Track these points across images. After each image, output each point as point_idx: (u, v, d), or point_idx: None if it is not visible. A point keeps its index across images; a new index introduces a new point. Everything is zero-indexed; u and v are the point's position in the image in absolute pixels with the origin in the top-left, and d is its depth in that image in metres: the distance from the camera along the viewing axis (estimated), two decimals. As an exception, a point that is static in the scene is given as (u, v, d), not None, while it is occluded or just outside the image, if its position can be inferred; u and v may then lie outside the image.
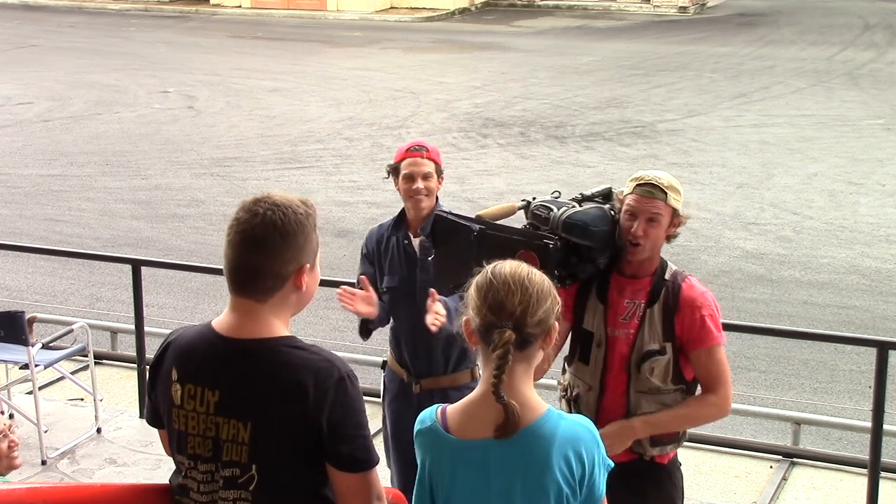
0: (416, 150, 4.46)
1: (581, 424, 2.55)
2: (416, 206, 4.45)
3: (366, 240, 4.65)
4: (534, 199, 3.69)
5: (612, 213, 3.63)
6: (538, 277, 2.55)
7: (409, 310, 4.50)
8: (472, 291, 2.56)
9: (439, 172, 4.49)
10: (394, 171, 4.50)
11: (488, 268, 2.57)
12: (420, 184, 4.40)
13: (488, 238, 3.46)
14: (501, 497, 2.52)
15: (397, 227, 4.56)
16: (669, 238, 3.64)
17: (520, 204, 3.75)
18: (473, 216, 3.77)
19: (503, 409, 2.47)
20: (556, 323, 2.56)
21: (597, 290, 3.63)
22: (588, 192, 3.76)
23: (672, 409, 3.56)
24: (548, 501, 2.49)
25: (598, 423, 3.01)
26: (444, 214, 3.58)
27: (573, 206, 3.63)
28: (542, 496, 2.49)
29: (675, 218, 3.59)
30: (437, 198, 4.53)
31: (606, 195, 3.75)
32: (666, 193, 3.53)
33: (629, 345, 3.57)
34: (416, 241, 4.51)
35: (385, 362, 4.79)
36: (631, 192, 3.56)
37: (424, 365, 4.54)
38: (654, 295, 3.57)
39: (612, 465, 2.62)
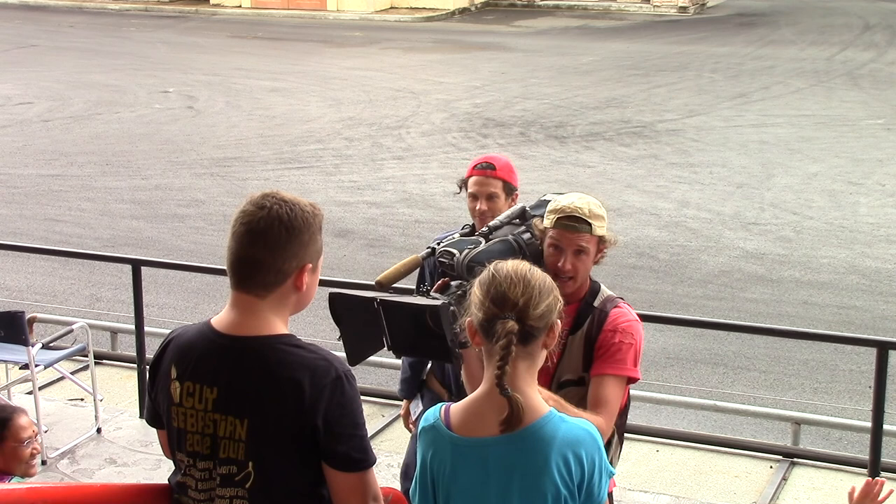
0: (482, 168, 4.23)
1: (583, 428, 2.55)
2: (481, 227, 4.13)
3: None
4: (438, 243, 3.39)
5: (520, 241, 3.38)
6: (540, 274, 2.58)
7: None
8: (475, 289, 2.58)
9: (509, 191, 4.23)
10: (465, 184, 4.31)
11: (491, 265, 2.60)
12: (484, 205, 4.18)
13: (390, 307, 3.15)
14: (499, 496, 2.52)
15: None
16: (598, 261, 3.43)
17: (423, 254, 3.46)
18: (374, 282, 3.48)
19: (507, 402, 2.47)
20: (559, 322, 2.57)
21: None
22: (496, 221, 3.49)
23: (573, 408, 3.10)
24: (545, 503, 2.49)
25: None
26: (339, 294, 3.29)
27: (476, 246, 3.34)
28: (539, 497, 2.49)
29: (602, 244, 3.39)
30: None
31: (520, 215, 3.49)
32: (590, 224, 3.32)
33: (549, 375, 3.35)
34: None
35: (423, 382, 4.57)
36: (552, 226, 3.34)
37: None
38: (578, 322, 3.37)
39: (614, 472, 2.62)
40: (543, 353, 2.60)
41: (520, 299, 2.50)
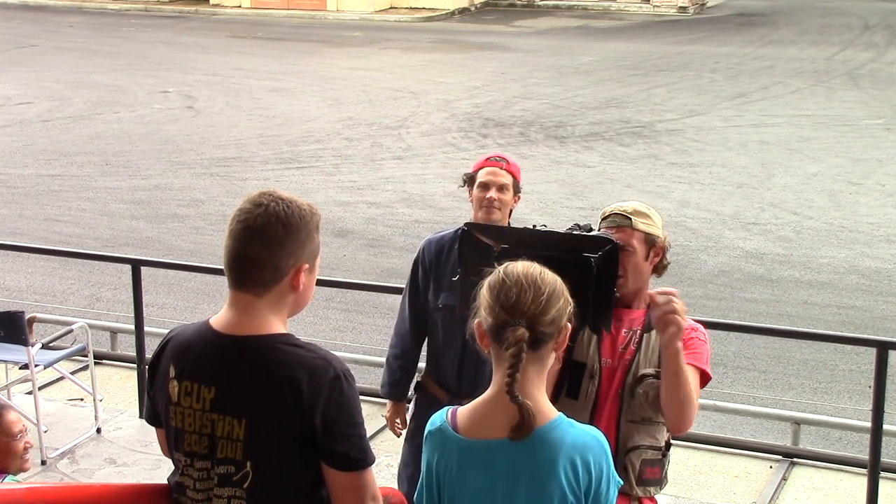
0: (495, 161, 4.34)
1: (591, 434, 2.52)
2: (486, 217, 4.26)
3: (423, 250, 4.42)
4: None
5: None
6: (550, 277, 2.53)
7: (463, 329, 4.30)
8: (483, 291, 2.54)
9: (517, 188, 4.33)
10: (470, 180, 4.36)
11: (500, 268, 2.55)
12: (494, 193, 4.25)
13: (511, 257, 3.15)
14: (505, 499, 2.49)
15: None
16: (658, 269, 3.44)
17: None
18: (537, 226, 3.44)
19: (518, 409, 2.44)
20: (569, 324, 2.53)
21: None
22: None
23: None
24: None
25: None
26: (471, 232, 3.21)
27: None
28: (546, 501, 2.46)
29: (655, 246, 3.40)
30: (510, 215, 4.35)
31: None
32: (630, 219, 3.35)
33: (625, 371, 3.36)
34: None
35: (419, 384, 4.52)
36: (599, 229, 3.41)
37: (470, 386, 4.21)
38: (650, 323, 3.35)
39: (622, 482, 2.59)
40: (553, 356, 2.55)
41: (530, 306, 2.46)
